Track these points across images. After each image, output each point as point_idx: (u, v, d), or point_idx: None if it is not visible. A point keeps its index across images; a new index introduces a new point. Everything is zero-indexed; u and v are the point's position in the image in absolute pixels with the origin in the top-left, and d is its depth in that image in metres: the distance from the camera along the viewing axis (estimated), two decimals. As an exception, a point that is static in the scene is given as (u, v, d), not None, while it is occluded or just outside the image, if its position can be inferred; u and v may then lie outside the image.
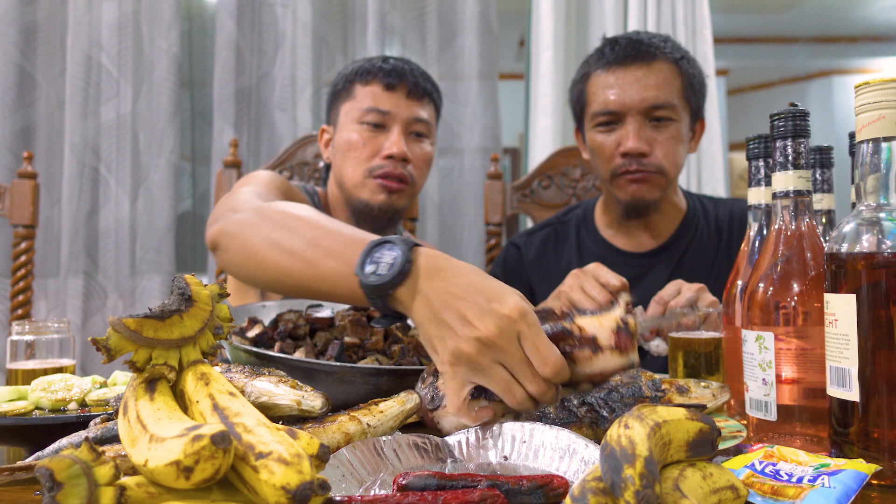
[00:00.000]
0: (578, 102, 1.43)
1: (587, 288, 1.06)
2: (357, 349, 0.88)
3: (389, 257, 0.69)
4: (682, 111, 1.35)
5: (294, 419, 0.63)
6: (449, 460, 0.60)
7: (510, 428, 0.62)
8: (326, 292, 0.79)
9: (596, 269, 1.09)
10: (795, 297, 0.70)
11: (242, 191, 1.07)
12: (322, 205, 1.46)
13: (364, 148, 1.35)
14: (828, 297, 0.64)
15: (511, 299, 0.62)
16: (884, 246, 0.60)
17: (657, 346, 1.04)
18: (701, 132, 1.44)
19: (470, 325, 0.62)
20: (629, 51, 1.34)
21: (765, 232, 0.85)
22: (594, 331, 0.64)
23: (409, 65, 1.41)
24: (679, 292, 1.05)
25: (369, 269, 0.69)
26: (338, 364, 0.78)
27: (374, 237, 0.73)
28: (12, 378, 0.95)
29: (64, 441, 0.62)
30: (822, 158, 0.85)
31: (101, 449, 0.47)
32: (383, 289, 0.67)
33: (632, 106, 1.32)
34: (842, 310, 0.62)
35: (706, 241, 1.43)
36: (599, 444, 0.54)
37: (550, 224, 1.55)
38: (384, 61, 1.40)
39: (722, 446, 0.65)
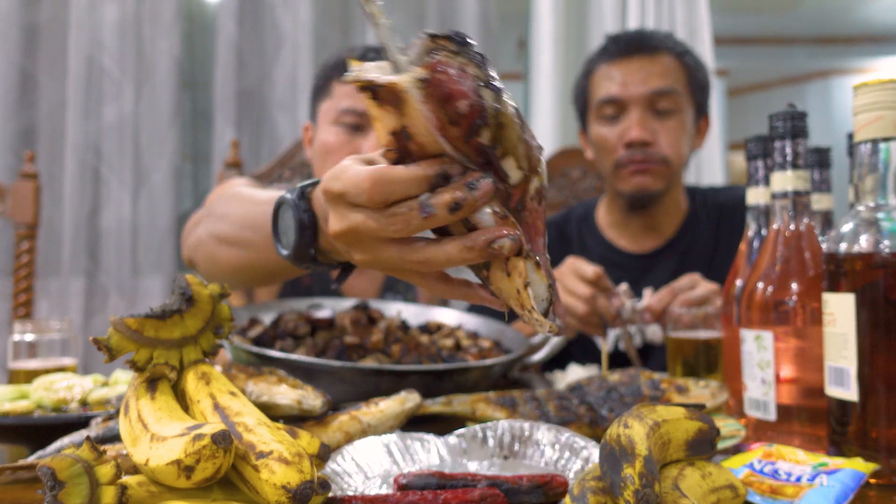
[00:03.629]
0: (581, 98, 1.43)
1: (570, 286, 1.07)
2: (357, 349, 0.88)
3: (289, 220, 0.64)
4: (685, 103, 1.35)
5: (294, 419, 0.63)
6: (449, 460, 0.60)
7: (510, 427, 0.62)
8: (277, 271, 0.77)
9: (571, 264, 1.09)
10: (794, 297, 0.71)
11: (212, 199, 1.02)
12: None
13: (339, 152, 1.27)
14: (826, 296, 0.64)
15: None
16: (882, 246, 0.60)
17: (653, 332, 1.03)
18: (706, 129, 1.44)
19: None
20: (632, 44, 1.35)
21: (763, 232, 0.85)
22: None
23: None
24: (693, 287, 1.04)
25: (282, 241, 0.66)
26: (338, 364, 0.78)
27: (277, 198, 0.66)
28: (14, 378, 0.95)
29: (66, 440, 0.63)
30: (821, 159, 0.85)
31: (102, 448, 0.47)
32: (300, 258, 0.63)
33: (635, 94, 1.32)
34: (840, 309, 0.62)
35: (707, 236, 1.43)
36: (599, 443, 0.55)
37: (553, 223, 1.54)
38: (363, 56, 1.29)
39: (721, 446, 0.66)
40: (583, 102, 1.43)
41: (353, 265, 0.66)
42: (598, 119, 1.37)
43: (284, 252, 0.65)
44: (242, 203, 0.80)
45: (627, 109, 1.33)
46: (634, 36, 1.37)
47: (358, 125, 1.29)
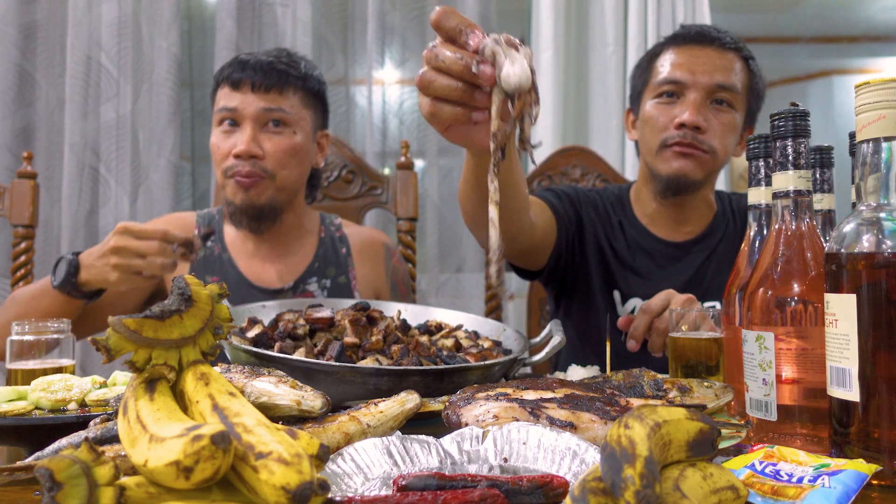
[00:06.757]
0: (641, 78, 1.44)
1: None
2: (357, 349, 0.88)
3: (62, 265, 1.21)
4: (740, 104, 1.36)
5: (294, 419, 0.63)
6: (448, 462, 0.60)
7: (510, 429, 0.62)
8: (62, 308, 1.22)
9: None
10: (795, 298, 0.70)
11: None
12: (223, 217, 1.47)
13: (219, 150, 1.34)
14: (828, 297, 0.64)
15: None
16: (884, 246, 0.60)
17: (522, 71, 0.86)
18: None
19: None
20: (704, 35, 1.37)
21: (765, 232, 0.85)
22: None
23: (262, 56, 1.35)
24: (668, 305, 1.04)
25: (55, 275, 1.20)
26: (337, 364, 0.78)
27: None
28: (12, 378, 0.94)
29: (64, 441, 0.62)
30: (823, 158, 0.85)
31: (100, 449, 0.47)
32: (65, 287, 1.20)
33: (698, 81, 1.33)
34: (842, 310, 0.62)
35: (734, 237, 1.44)
36: (599, 444, 0.54)
37: (593, 191, 1.53)
38: (232, 60, 1.36)
39: (722, 446, 0.65)
40: (642, 82, 1.43)
41: (100, 292, 1.24)
42: (653, 97, 1.38)
43: (55, 283, 1.19)
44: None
45: (686, 94, 1.34)
46: (707, 29, 1.39)
47: (234, 121, 1.33)
